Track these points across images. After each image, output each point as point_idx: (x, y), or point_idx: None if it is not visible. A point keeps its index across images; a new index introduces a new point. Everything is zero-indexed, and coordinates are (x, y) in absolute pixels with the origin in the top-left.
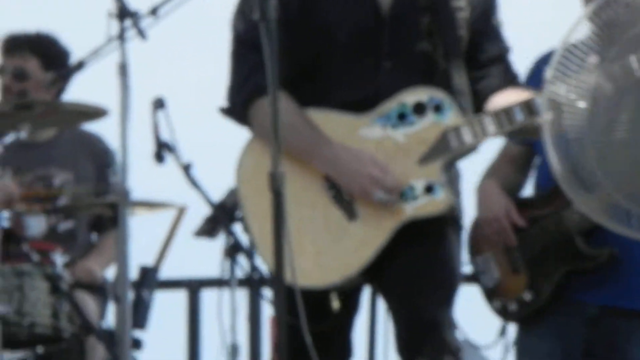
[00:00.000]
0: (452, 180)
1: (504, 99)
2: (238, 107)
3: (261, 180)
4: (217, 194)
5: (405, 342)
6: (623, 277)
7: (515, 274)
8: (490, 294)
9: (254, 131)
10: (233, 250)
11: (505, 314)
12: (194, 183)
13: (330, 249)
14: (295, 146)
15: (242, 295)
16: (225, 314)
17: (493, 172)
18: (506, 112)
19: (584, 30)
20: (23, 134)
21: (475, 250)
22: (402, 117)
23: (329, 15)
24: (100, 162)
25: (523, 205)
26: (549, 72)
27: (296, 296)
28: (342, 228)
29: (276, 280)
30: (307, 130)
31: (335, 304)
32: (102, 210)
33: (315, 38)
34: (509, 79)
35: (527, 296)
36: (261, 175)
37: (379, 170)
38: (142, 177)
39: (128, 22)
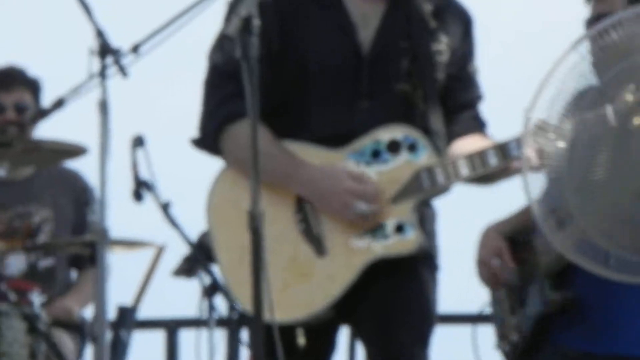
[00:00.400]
0: (428, 219)
1: (467, 145)
2: (209, 135)
3: (231, 211)
4: (196, 233)
5: None
6: (593, 321)
7: (512, 315)
8: (498, 336)
9: (225, 159)
10: (211, 290)
11: (504, 355)
12: (173, 222)
13: (297, 284)
14: (271, 172)
15: (220, 336)
16: (204, 355)
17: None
18: (480, 156)
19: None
20: (1, 172)
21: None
22: (376, 154)
23: (308, 51)
24: (79, 200)
25: (519, 245)
26: (530, 113)
27: (274, 335)
28: (310, 263)
29: (255, 318)
30: (282, 156)
31: (301, 340)
32: (80, 248)
33: (294, 72)
34: (476, 126)
35: (514, 337)
36: (231, 206)
37: (356, 182)
38: (120, 215)
39: (109, 60)
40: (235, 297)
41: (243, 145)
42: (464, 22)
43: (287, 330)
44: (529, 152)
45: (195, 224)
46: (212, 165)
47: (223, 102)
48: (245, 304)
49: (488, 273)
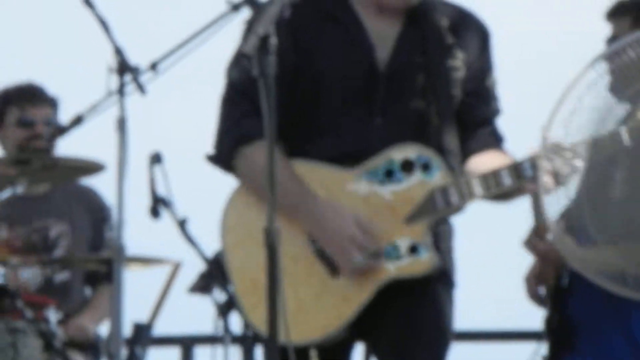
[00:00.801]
0: (445, 236)
1: (484, 161)
2: (224, 153)
3: (244, 231)
4: (212, 250)
5: None
6: (587, 345)
7: None
8: None
9: (239, 179)
10: (227, 307)
11: None
12: (189, 239)
13: (311, 305)
14: (280, 201)
15: (235, 353)
16: None
17: None
18: (494, 176)
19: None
20: (20, 189)
21: None
22: (389, 174)
23: (323, 67)
24: (96, 217)
25: None
26: (546, 132)
27: (290, 357)
28: (324, 284)
29: (270, 338)
30: (293, 185)
31: None
32: (97, 265)
33: (308, 88)
34: (493, 142)
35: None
36: (244, 226)
37: (361, 232)
38: (137, 232)
39: (128, 77)
40: (249, 320)
41: (257, 167)
42: (482, 37)
43: (301, 351)
44: (544, 174)
45: (212, 241)
46: (229, 182)
47: (238, 120)
48: (260, 325)
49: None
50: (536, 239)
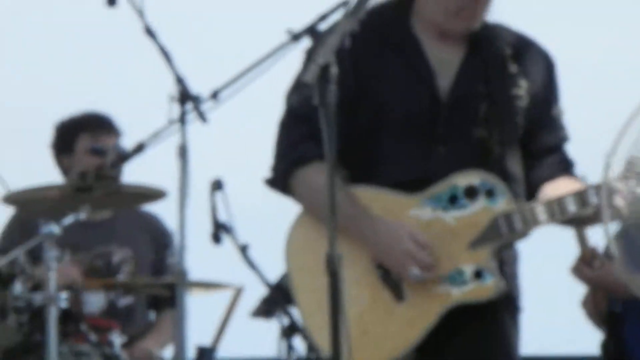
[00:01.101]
0: (509, 261)
1: (556, 189)
2: (280, 176)
3: (309, 256)
4: (274, 275)
5: None
6: None
7: None
8: None
9: (296, 201)
10: (290, 331)
11: None
12: (251, 264)
13: (376, 329)
14: (344, 219)
15: None
16: None
17: None
18: (559, 202)
19: None
20: (82, 215)
21: None
22: (453, 200)
23: (385, 95)
24: (158, 243)
25: None
26: (610, 158)
27: None
28: (389, 309)
29: (334, 338)
30: (347, 206)
31: None
32: (159, 290)
33: (370, 117)
34: (563, 169)
35: None
36: (309, 251)
37: (416, 246)
38: (199, 257)
39: (189, 106)
40: (315, 342)
41: (313, 187)
42: (546, 66)
43: None
44: (619, 201)
45: (273, 266)
46: (289, 208)
47: (295, 144)
48: (325, 346)
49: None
50: (583, 266)
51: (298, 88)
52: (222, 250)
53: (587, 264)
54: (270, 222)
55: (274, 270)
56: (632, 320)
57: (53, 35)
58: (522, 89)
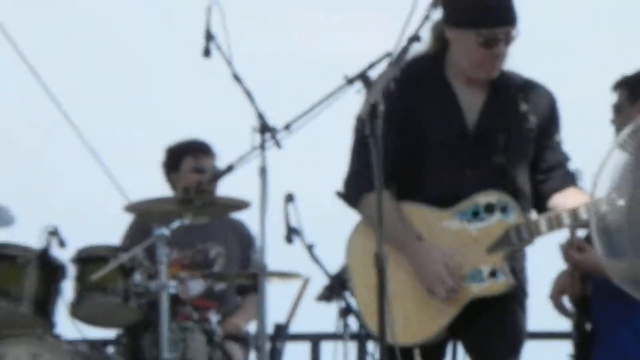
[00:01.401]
0: (519, 258)
1: (566, 197)
2: (351, 197)
3: (366, 258)
4: (334, 268)
5: None
6: (603, 346)
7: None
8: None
9: (362, 217)
10: (345, 312)
11: None
12: (316, 260)
13: (415, 316)
14: (391, 238)
15: (352, 347)
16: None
17: None
18: (557, 218)
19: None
20: (186, 221)
21: None
22: (475, 214)
23: (424, 128)
24: (244, 243)
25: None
26: (594, 180)
27: (396, 355)
28: (425, 300)
29: (380, 341)
30: (400, 227)
31: (418, 359)
32: (245, 279)
33: (413, 145)
34: (570, 181)
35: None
36: (365, 254)
37: (446, 271)
38: (275, 254)
39: (267, 135)
40: (368, 326)
41: (370, 211)
42: (550, 103)
43: (407, 350)
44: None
45: (334, 261)
46: (345, 217)
47: (362, 171)
48: (375, 331)
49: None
50: (572, 250)
51: (362, 117)
52: (293, 249)
53: (576, 249)
54: (331, 227)
55: (334, 264)
56: (598, 299)
57: (165, 79)
58: (532, 123)
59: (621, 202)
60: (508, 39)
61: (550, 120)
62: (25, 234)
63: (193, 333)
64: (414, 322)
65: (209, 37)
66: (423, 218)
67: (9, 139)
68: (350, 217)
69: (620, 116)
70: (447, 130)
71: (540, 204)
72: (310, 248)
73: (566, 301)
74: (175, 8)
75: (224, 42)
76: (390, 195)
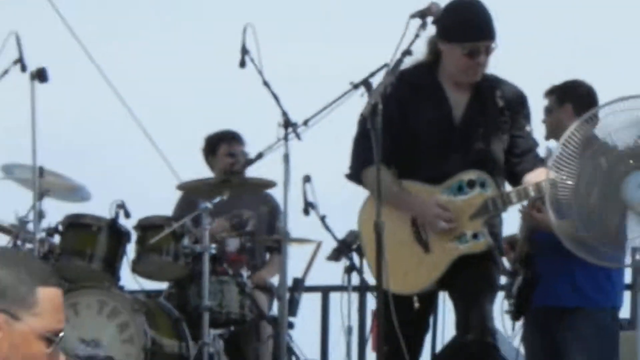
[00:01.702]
0: (497, 225)
1: (535, 176)
2: (355, 174)
3: (372, 225)
4: (341, 234)
5: (462, 324)
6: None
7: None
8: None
9: (365, 188)
10: (350, 269)
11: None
12: (327, 228)
13: (413, 270)
14: (392, 199)
15: (355, 297)
16: (344, 308)
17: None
18: (524, 190)
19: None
20: (224, 196)
21: None
22: (460, 189)
23: (419, 122)
24: (271, 212)
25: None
26: (549, 163)
27: (389, 298)
28: (421, 257)
29: (379, 288)
30: (398, 190)
31: (416, 304)
32: (271, 243)
33: (410, 135)
34: (537, 163)
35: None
36: (372, 222)
37: (441, 209)
38: (295, 223)
39: (290, 129)
40: (374, 278)
41: (371, 181)
42: (522, 101)
43: (408, 298)
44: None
45: (341, 229)
46: (350, 192)
47: (363, 152)
48: (386, 284)
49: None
50: (534, 211)
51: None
52: (310, 219)
53: (536, 210)
54: (339, 202)
55: (341, 231)
56: (544, 254)
57: (211, 85)
58: (506, 117)
59: (569, 182)
60: (488, 51)
61: (521, 114)
62: (99, 207)
63: (228, 285)
64: (412, 276)
65: (244, 51)
66: (419, 192)
67: (84, 133)
68: (354, 194)
69: (550, 117)
70: (438, 123)
71: (515, 182)
72: (322, 218)
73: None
74: (219, 28)
75: (256, 55)
76: (387, 171)
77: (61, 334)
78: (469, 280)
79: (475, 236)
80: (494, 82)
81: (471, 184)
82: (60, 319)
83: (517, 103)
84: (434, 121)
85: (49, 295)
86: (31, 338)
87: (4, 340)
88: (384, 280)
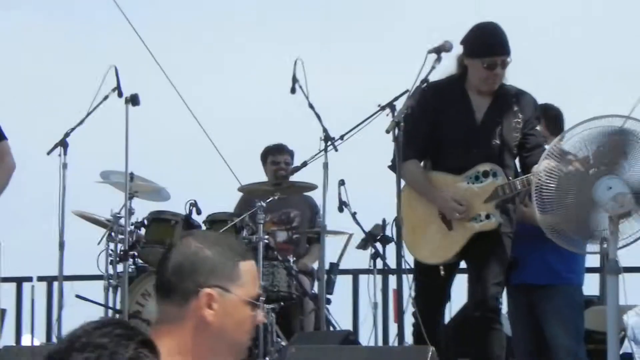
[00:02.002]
0: (510, 210)
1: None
2: (393, 166)
3: (408, 208)
4: (368, 227)
5: (474, 295)
6: (518, 265)
7: None
8: None
9: (404, 180)
10: (375, 255)
11: None
12: (357, 222)
13: (439, 245)
14: (421, 191)
15: (379, 279)
16: (371, 288)
17: None
18: (526, 179)
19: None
20: (276, 196)
21: None
22: (477, 178)
23: (448, 122)
24: (312, 210)
25: None
26: (536, 167)
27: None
28: (446, 234)
29: (399, 266)
30: (426, 184)
31: (442, 272)
32: (312, 234)
33: (440, 135)
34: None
35: None
36: (408, 205)
37: (455, 203)
38: (332, 218)
39: (329, 142)
40: (411, 251)
41: (409, 174)
42: (533, 105)
43: (435, 267)
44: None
45: (368, 223)
46: (375, 194)
47: (403, 146)
48: (416, 254)
49: None
50: (521, 205)
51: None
52: (343, 215)
53: (524, 205)
54: (367, 201)
55: (368, 225)
56: (522, 239)
57: (266, 108)
58: (520, 119)
59: (552, 184)
60: (503, 64)
61: (532, 116)
62: (177, 205)
63: (278, 268)
64: (439, 249)
65: (294, 80)
66: (444, 181)
67: (166, 145)
68: (378, 195)
69: None
70: (462, 124)
71: (526, 171)
72: (353, 215)
73: None
74: (274, 62)
75: (304, 83)
76: (418, 164)
77: (262, 298)
78: (484, 252)
79: (488, 217)
80: (511, 90)
81: (485, 174)
82: (258, 285)
83: (529, 107)
84: (460, 122)
85: (248, 267)
86: (240, 305)
87: (220, 310)
88: (403, 257)
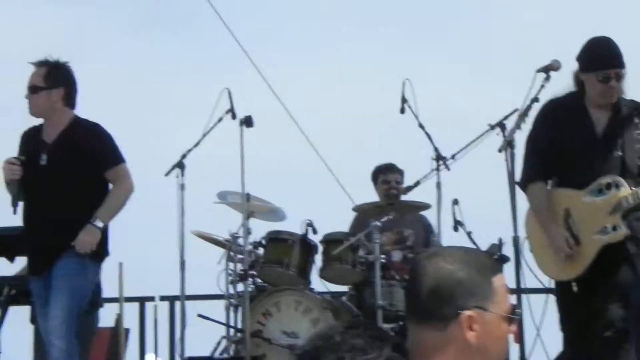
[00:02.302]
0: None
1: None
2: (522, 184)
3: (533, 230)
4: (485, 246)
5: (601, 315)
6: None
7: None
8: None
9: (528, 200)
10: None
11: None
12: (473, 241)
13: (570, 259)
14: (538, 218)
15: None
16: None
17: None
18: None
19: None
20: (390, 216)
21: None
22: (600, 191)
23: (570, 138)
24: (426, 229)
25: None
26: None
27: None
28: (575, 248)
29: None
30: (544, 213)
31: (575, 288)
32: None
33: (564, 150)
34: None
35: None
36: (533, 226)
37: (563, 242)
38: (446, 238)
39: (441, 162)
40: (541, 267)
41: (532, 197)
42: None
43: (567, 283)
44: None
45: (484, 242)
46: (490, 212)
47: (529, 168)
48: (546, 269)
49: None
50: None
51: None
52: (459, 235)
53: None
54: (483, 220)
55: (485, 244)
56: None
57: (377, 129)
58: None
59: None
60: (618, 76)
61: None
62: (293, 225)
63: (396, 288)
64: (571, 265)
65: (404, 100)
66: (569, 196)
67: (280, 166)
68: (494, 216)
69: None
70: (583, 137)
71: None
72: (469, 234)
73: None
74: (383, 84)
75: (413, 103)
76: (543, 186)
77: (517, 310)
78: (614, 267)
79: (614, 228)
80: (631, 103)
81: (608, 186)
82: (510, 296)
83: None
84: (580, 136)
85: (500, 281)
86: (498, 321)
87: (481, 330)
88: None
